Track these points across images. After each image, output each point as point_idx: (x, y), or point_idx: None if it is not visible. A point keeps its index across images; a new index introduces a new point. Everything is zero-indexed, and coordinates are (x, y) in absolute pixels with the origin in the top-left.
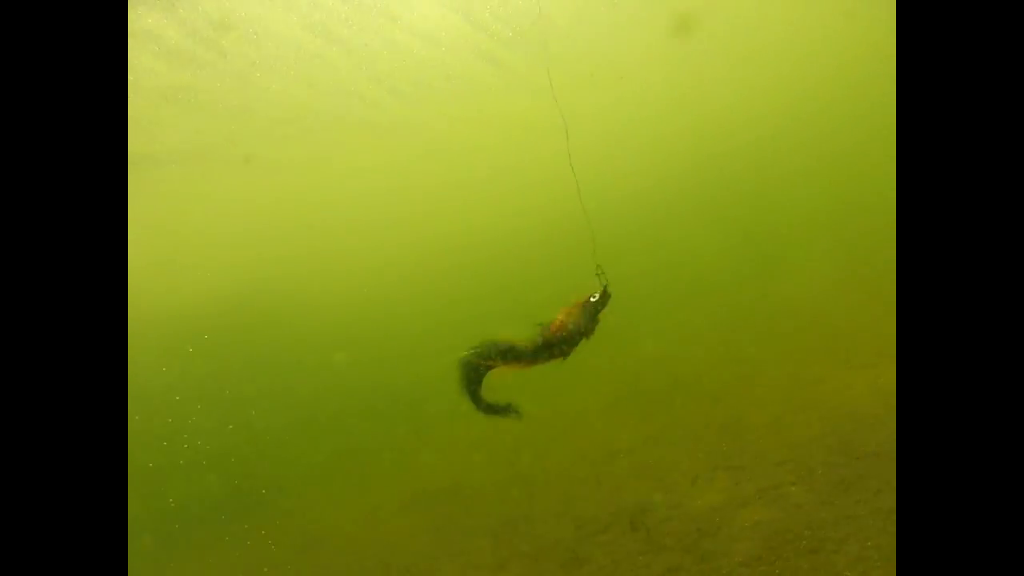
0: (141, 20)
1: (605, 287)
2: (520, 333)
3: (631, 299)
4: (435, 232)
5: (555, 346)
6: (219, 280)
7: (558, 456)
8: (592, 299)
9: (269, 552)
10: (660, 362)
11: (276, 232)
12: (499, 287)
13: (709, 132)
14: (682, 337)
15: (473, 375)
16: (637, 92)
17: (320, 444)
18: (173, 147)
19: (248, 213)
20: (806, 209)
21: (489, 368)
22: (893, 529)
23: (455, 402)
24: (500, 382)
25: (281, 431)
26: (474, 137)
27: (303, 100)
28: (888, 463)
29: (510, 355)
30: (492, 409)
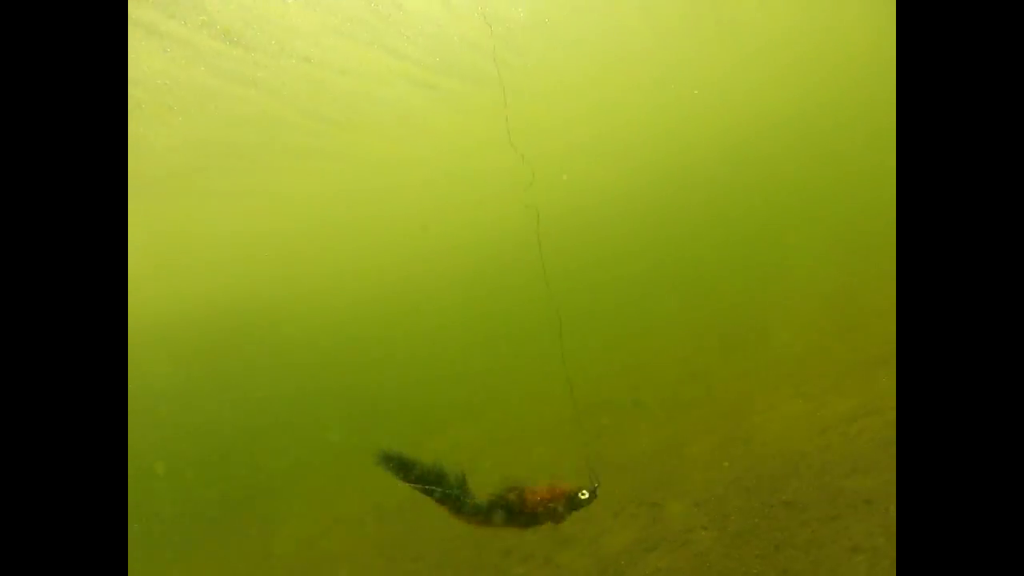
0: None
1: (595, 488)
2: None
3: (590, 313)
4: (398, 244)
5: (521, 516)
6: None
7: (500, 478)
8: (581, 496)
9: (229, 563)
10: (614, 378)
11: (240, 255)
12: (465, 295)
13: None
14: (637, 353)
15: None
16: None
17: (293, 452)
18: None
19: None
20: (774, 226)
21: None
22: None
23: (418, 414)
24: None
25: (257, 439)
26: (414, 152)
27: (231, 138)
28: (797, 514)
29: (448, 502)
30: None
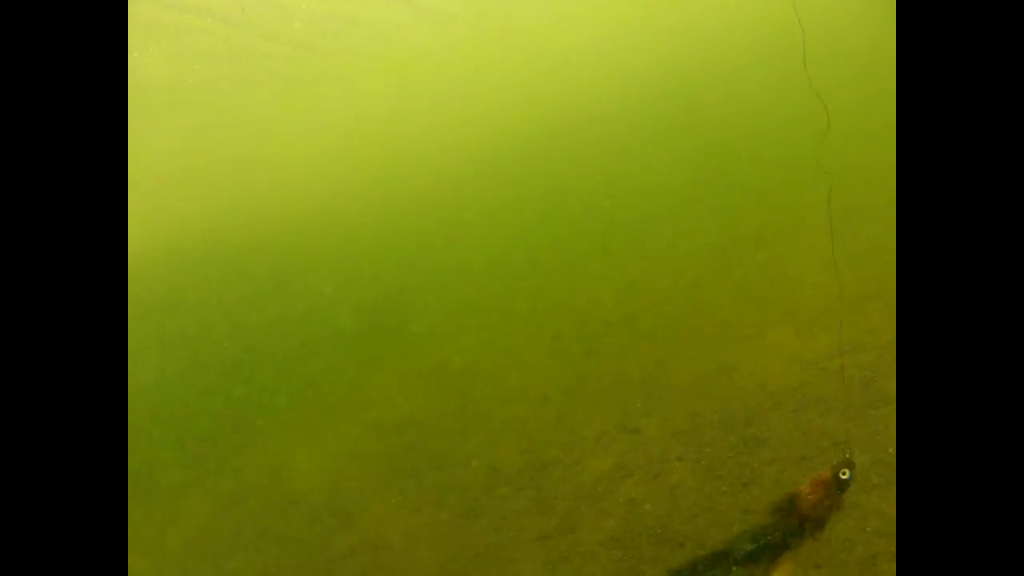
0: None
1: (850, 460)
2: None
3: (586, 224)
4: (389, 160)
5: (805, 527)
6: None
7: (493, 397)
8: (843, 476)
9: (230, 486)
10: (604, 297)
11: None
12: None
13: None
14: (630, 268)
15: None
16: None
17: (295, 373)
18: None
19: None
20: (775, 146)
21: None
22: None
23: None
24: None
25: (258, 361)
26: (400, 69)
27: (195, 70)
28: (768, 452)
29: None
30: None
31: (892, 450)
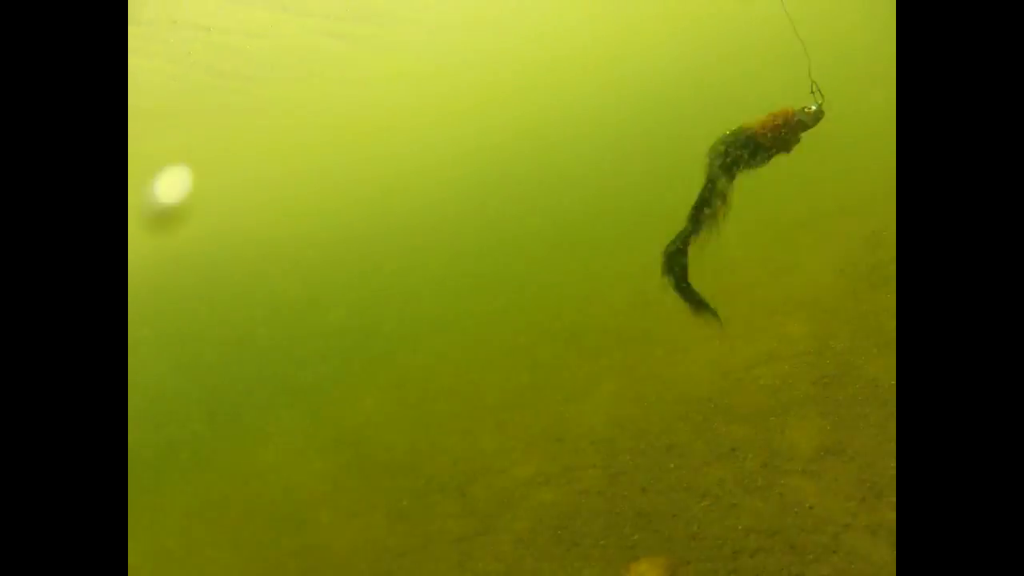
0: None
1: (819, 106)
2: None
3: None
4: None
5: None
6: None
7: (444, 409)
8: (807, 110)
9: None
10: (554, 315)
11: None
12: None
13: None
14: (579, 288)
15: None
16: None
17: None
18: None
19: None
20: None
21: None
22: (631, 542)
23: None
24: None
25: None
26: (349, 96)
27: (148, 107)
28: (672, 459)
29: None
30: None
31: (782, 454)
